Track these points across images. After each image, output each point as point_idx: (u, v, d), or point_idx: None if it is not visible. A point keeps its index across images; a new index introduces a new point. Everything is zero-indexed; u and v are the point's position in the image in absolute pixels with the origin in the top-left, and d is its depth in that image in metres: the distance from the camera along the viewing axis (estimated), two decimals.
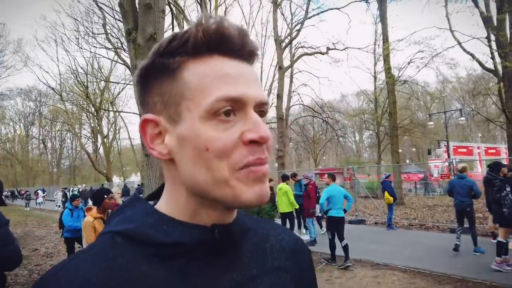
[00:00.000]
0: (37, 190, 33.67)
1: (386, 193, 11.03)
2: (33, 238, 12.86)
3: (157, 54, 0.51)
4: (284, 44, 22.64)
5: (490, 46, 13.25)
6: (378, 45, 21.80)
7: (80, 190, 23.44)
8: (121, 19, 10.43)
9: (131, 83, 8.07)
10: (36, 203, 30.12)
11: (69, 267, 0.47)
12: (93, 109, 30.05)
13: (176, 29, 17.69)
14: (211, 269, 0.52)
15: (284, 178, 9.49)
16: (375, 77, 23.60)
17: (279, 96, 21.79)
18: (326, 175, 8.32)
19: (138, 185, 21.88)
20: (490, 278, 5.56)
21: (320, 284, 6.06)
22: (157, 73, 0.51)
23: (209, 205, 0.52)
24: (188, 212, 0.53)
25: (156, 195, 0.60)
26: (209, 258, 0.52)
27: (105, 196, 4.42)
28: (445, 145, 26.07)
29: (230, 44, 0.50)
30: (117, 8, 14.93)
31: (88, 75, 26.76)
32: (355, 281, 5.88)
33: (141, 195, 0.59)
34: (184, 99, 0.50)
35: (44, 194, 33.52)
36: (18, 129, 60.49)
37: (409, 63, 18.98)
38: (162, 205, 0.55)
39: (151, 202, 0.58)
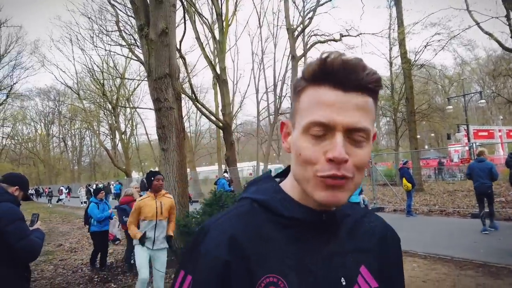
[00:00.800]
0: (60, 187, 34.65)
1: (404, 180, 10.90)
2: (57, 234, 13.24)
3: (299, 77, 0.69)
4: (296, 33, 22.42)
5: (510, 25, 12.82)
6: (393, 30, 21.33)
7: (104, 186, 23.89)
8: (133, 15, 10.50)
9: (146, 79, 8.18)
10: (58, 200, 31.07)
11: (224, 220, 0.71)
12: (110, 106, 30.46)
13: (188, 23, 17.68)
14: (315, 240, 0.70)
15: None
16: (390, 63, 23.14)
17: None
18: None
19: None
20: None
21: None
22: (293, 91, 0.70)
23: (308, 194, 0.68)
24: (300, 196, 0.71)
25: (282, 174, 0.82)
26: (315, 232, 0.71)
27: (153, 178, 4.48)
28: (465, 129, 25.50)
29: (333, 77, 0.63)
30: (129, 5, 15.04)
31: (103, 72, 27.14)
32: None
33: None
34: (298, 114, 0.67)
35: (68, 191, 34.48)
36: (39, 128, 62.02)
37: (425, 46, 18.52)
38: (286, 186, 0.75)
39: (278, 179, 0.80)
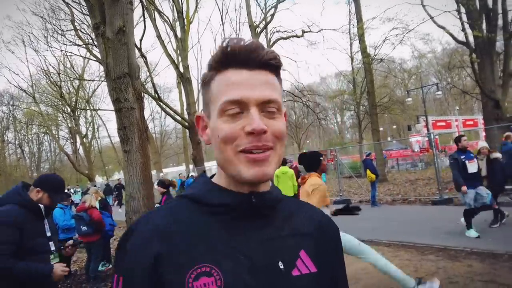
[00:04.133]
0: None
1: (368, 171, 11.19)
2: None
3: (206, 69, 0.73)
4: (259, 30, 22.44)
5: (460, 18, 13.39)
6: (353, 25, 21.77)
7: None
8: (89, 14, 10.10)
9: (105, 80, 7.95)
10: None
11: (151, 216, 0.71)
12: (69, 109, 29.30)
13: (148, 21, 17.26)
14: (248, 226, 0.70)
15: (284, 162, 9.18)
16: (351, 58, 23.63)
17: None
18: None
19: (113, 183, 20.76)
20: (471, 245, 5.73)
21: None
22: (203, 84, 0.74)
23: (234, 180, 0.70)
24: (227, 183, 0.72)
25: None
26: (248, 217, 0.70)
27: (321, 158, 3.95)
28: (424, 120, 26.53)
29: (237, 59, 0.67)
30: (84, 3, 14.46)
31: (60, 74, 25.98)
32: None
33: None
34: (211, 102, 0.70)
35: None
36: None
37: (384, 41, 18.96)
38: (215, 178, 0.76)
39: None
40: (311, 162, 3.97)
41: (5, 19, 73.14)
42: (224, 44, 0.68)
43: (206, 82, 0.72)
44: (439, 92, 27.06)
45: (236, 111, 0.66)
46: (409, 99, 27.27)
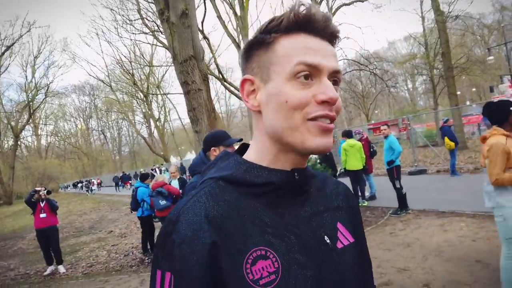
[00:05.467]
0: (92, 179, 37.57)
1: (446, 139, 10.45)
2: (107, 221, 13.94)
3: (259, 32, 0.67)
4: None
5: None
6: None
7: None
8: (153, 1, 10.49)
9: (172, 64, 8.29)
10: (91, 190, 34.00)
11: (192, 203, 0.63)
12: (141, 95, 31.17)
13: (208, 2, 17.48)
14: (292, 203, 0.68)
15: (349, 135, 8.79)
16: (422, 17, 21.96)
17: None
18: (384, 126, 7.64)
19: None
20: None
21: (384, 238, 5.89)
22: (258, 46, 0.67)
23: (286, 151, 0.67)
24: (270, 157, 0.68)
25: (240, 152, 0.77)
26: (291, 195, 0.68)
27: (511, 109, 3.04)
28: (509, 80, 23.98)
29: (314, 25, 0.64)
30: None
31: (132, 62, 27.59)
32: (420, 232, 5.71)
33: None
34: (272, 64, 0.65)
35: (96, 181, 39.29)
36: (78, 123, 64.92)
37: None
38: (250, 155, 0.71)
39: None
40: (496, 112, 3.09)
41: (80, 14, 78.49)
42: (300, 8, 0.64)
43: (265, 43, 0.66)
44: None
45: (308, 75, 0.62)
46: (491, 57, 24.68)
